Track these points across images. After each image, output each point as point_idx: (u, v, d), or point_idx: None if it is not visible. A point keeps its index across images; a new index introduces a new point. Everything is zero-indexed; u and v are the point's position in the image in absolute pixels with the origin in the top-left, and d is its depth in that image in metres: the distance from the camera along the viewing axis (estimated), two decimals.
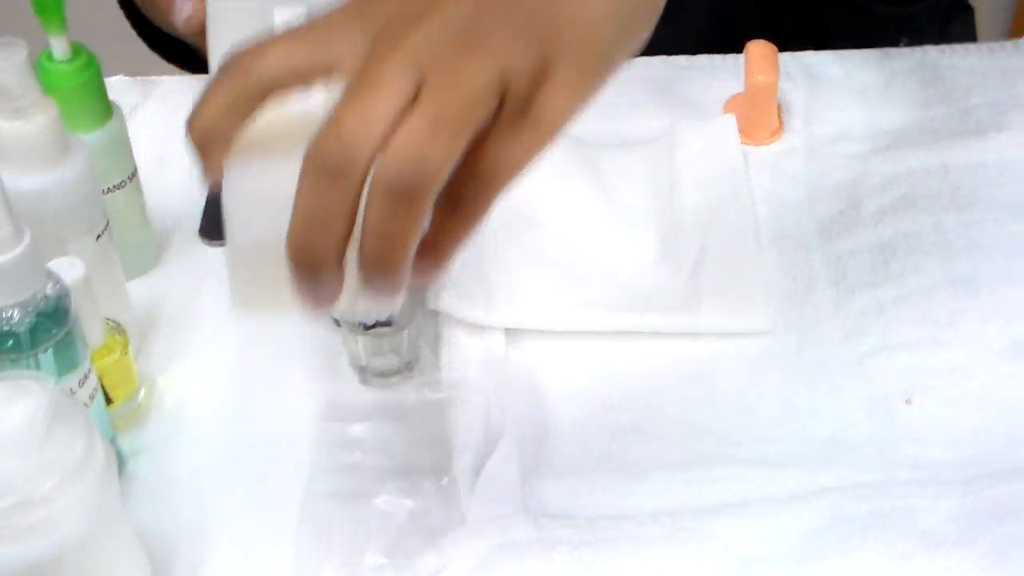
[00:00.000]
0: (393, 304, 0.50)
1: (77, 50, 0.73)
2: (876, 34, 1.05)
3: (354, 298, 0.50)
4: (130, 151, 0.78)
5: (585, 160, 0.85)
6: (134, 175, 0.79)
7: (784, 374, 0.73)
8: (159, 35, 0.96)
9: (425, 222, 0.47)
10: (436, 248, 0.49)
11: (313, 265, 0.47)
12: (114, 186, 0.77)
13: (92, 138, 0.74)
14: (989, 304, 0.77)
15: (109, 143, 0.76)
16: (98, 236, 0.71)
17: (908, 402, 0.72)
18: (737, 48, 0.90)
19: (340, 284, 0.48)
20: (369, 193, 0.45)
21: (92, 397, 0.65)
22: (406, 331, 0.72)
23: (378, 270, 0.46)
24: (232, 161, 0.52)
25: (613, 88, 0.94)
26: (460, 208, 0.48)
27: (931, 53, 0.96)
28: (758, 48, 0.87)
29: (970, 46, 0.97)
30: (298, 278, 0.47)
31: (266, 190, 0.50)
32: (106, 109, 0.75)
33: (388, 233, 0.45)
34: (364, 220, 0.45)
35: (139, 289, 0.80)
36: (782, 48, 0.92)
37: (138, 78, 0.98)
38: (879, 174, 0.85)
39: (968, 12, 1.18)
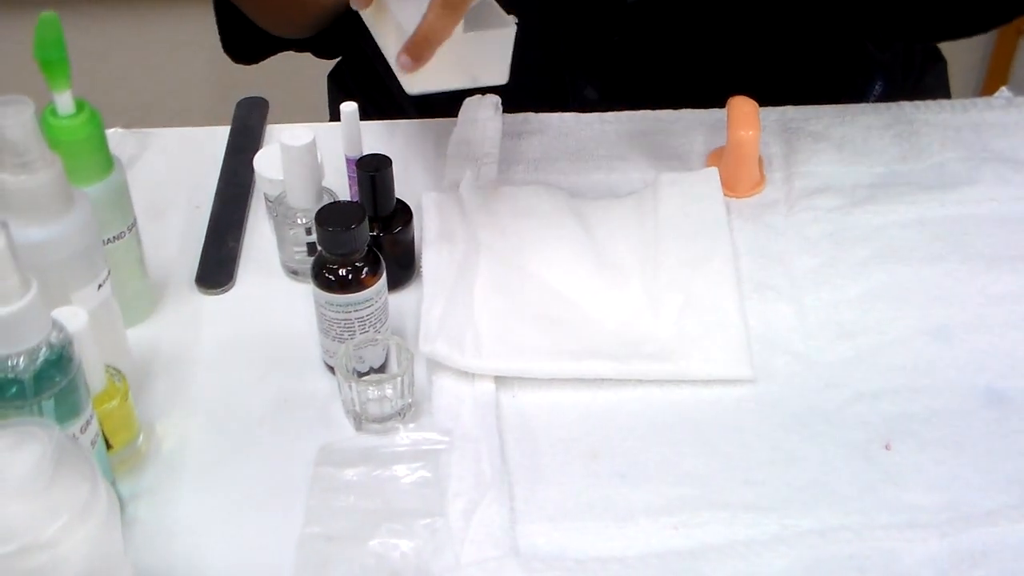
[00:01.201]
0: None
1: (80, 105, 0.75)
2: (852, 82, 1.09)
3: None
4: (130, 203, 0.80)
5: (573, 211, 0.87)
6: (133, 226, 0.81)
7: (766, 421, 0.75)
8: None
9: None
10: (429, 39, 0.73)
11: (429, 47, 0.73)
12: (114, 237, 0.79)
13: (94, 190, 0.76)
14: (963, 352, 0.79)
15: (110, 195, 0.78)
16: (99, 285, 0.73)
17: (887, 447, 0.74)
18: (721, 100, 0.93)
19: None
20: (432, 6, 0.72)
21: (93, 443, 0.67)
22: (399, 379, 0.74)
23: (419, 51, 0.73)
24: None
25: (600, 141, 0.98)
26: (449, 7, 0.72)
27: (906, 108, 0.99)
28: (740, 104, 0.90)
29: (943, 102, 1.00)
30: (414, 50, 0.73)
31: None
32: (108, 162, 0.77)
33: (436, 28, 0.72)
34: (423, 20, 0.72)
35: (137, 337, 0.82)
36: (763, 101, 0.95)
37: (134, 130, 1.00)
38: (858, 227, 0.88)
39: (941, 64, 1.22)
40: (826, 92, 1.09)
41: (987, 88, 2.30)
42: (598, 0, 0.98)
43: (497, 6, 0.77)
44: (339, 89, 1.17)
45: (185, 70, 2.08)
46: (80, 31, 2.11)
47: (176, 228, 0.92)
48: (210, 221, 0.91)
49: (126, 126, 1.00)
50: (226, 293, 0.86)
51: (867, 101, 1.11)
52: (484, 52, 0.76)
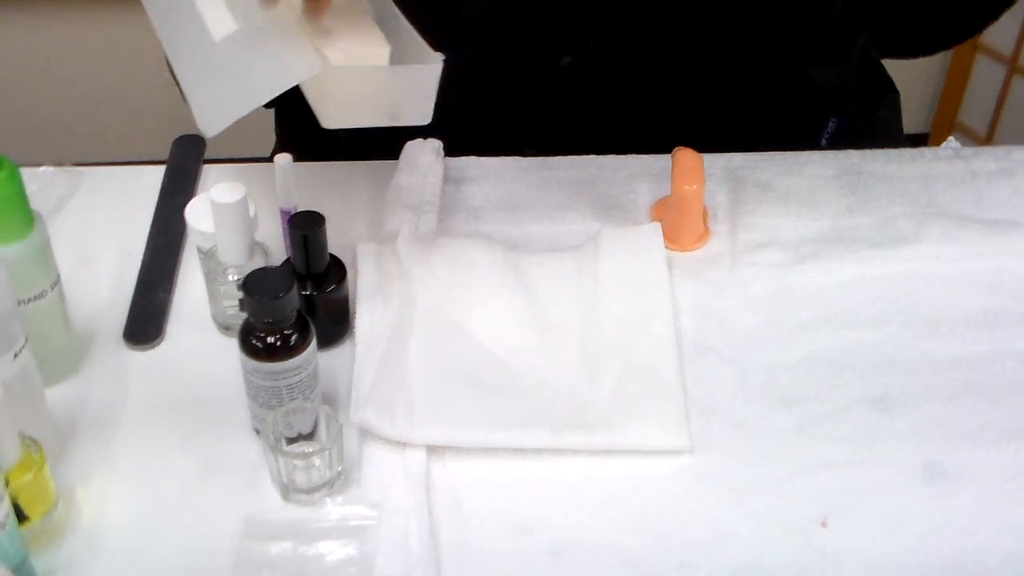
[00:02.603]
0: None
1: None
2: (806, 114, 1.07)
3: None
4: (52, 260, 0.78)
5: (512, 268, 0.85)
6: (56, 282, 0.78)
7: (703, 495, 0.74)
8: None
9: None
10: None
11: None
12: (35, 296, 0.76)
13: (13, 250, 0.74)
14: (904, 423, 0.78)
15: (31, 254, 0.75)
16: (16, 354, 0.71)
17: (824, 525, 0.73)
18: (667, 147, 0.92)
19: None
20: None
21: (3, 525, 0.64)
22: (327, 451, 0.72)
23: None
24: None
25: (543, 188, 0.96)
26: None
27: (854, 158, 0.98)
28: (684, 158, 0.88)
29: (891, 152, 0.99)
30: None
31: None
32: (28, 220, 0.75)
33: None
34: None
35: (60, 395, 0.80)
36: (712, 146, 0.94)
37: (65, 168, 0.97)
38: (801, 286, 0.87)
39: (894, 96, 1.21)
40: (778, 133, 1.08)
41: (939, 119, 2.31)
42: (533, 63, 0.96)
43: (423, 42, 0.74)
44: (283, 124, 1.14)
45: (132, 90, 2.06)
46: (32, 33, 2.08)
47: (106, 277, 0.89)
48: (141, 270, 0.88)
49: (55, 163, 0.97)
50: (155, 348, 0.84)
51: (820, 140, 1.10)
52: (407, 89, 0.73)
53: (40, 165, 0.96)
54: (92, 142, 2.18)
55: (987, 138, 2.23)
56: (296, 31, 0.73)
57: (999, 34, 2.16)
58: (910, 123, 1.24)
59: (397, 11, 0.76)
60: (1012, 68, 2.14)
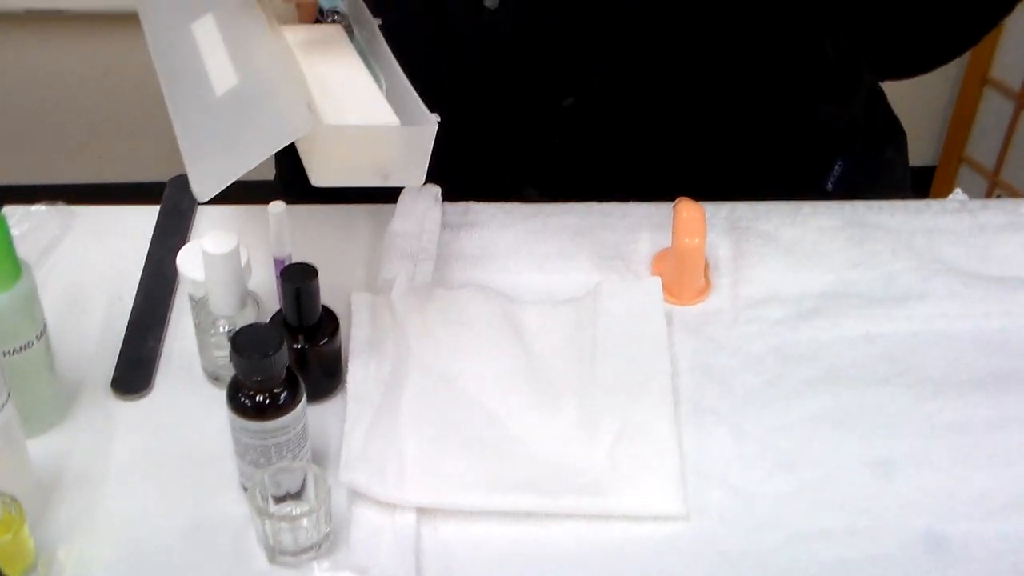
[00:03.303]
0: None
1: None
2: (812, 155, 1.06)
3: None
4: (39, 309, 0.76)
5: (508, 320, 0.84)
6: (43, 332, 0.77)
7: (698, 562, 0.72)
8: None
9: None
10: None
11: None
12: (21, 347, 0.75)
13: None
14: (906, 489, 0.76)
15: (17, 305, 0.73)
16: None
17: None
18: (671, 191, 0.90)
19: None
20: None
21: None
22: (315, 511, 0.71)
23: None
24: None
25: (542, 236, 0.95)
26: None
27: (859, 209, 0.97)
28: (686, 209, 0.86)
29: (897, 204, 0.97)
30: None
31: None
32: (14, 270, 0.73)
33: None
34: None
35: (44, 446, 0.78)
36: (717, 190, 0.92)
37: (59, 207, 0.96)
38: (804, 343, 0.85)
39: (901, 136, 1.20)
40: (784, 174, 1.07)
41: (947, 153, 2.29)
42: (535, 103, 0.95)
43: (419, 102, 0.73)
44: (282, 158, 1.13)
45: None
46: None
47: (95, 322, 0.87)
48: (131, 316, 0.87)
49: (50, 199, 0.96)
50: (143, 399, 0.82)
51: (827, 182, 1.09)
52: (399, 150, 0.71)
53: (38, 181, 0.94)
54: (93, 161, 2.18)
55: (995, 172, 2.21)
56: (294, 86, 0.71)
57: (1008, 69, 2.14)
58: (918, 157, 1.22)
59: (397, 67, 0.75)
60: (1020, 104, 2.12)
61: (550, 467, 0.76)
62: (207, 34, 0.77)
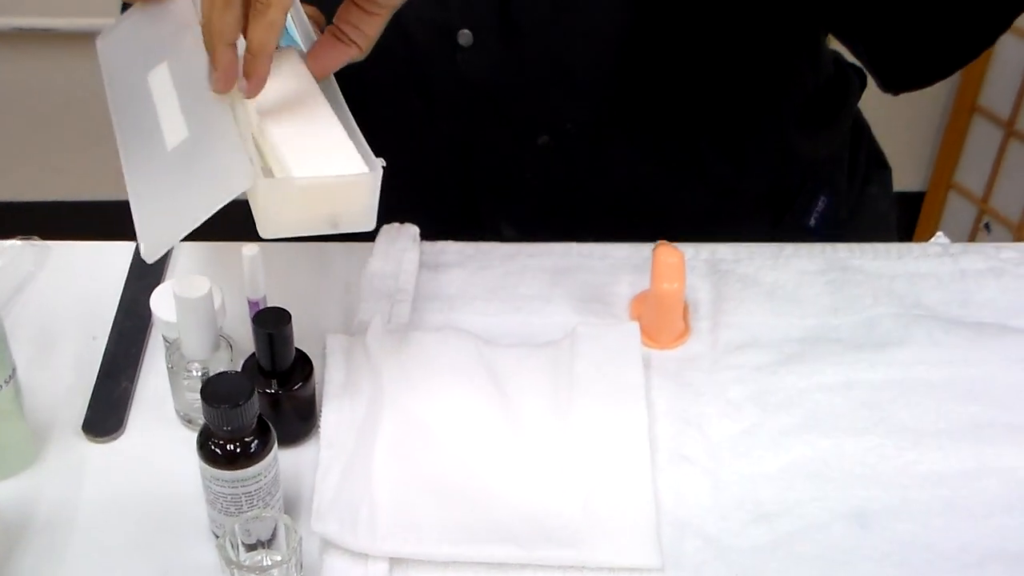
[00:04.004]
0: None
1: None
2: (795, 191, 1.05)
3: None
4: (8, 353, 0.75)
5: (484, 365, 0.83)
6: (12, 376, 0.76)
7: None
8: None
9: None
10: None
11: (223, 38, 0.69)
12: None
13: None
14: (883, 540, 0.76)
15: None
16: None
17: None
18: (648, 230, 0.90)
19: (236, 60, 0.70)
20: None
21: None
22: (286, 562, 0.70)
23: (247, 67, 0.69)
24: None
25: (521, 277, 0.94)
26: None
27: (841, 252, 0.96)
28: (665, 255, 0.86)
29: (879, 247, 0.96)
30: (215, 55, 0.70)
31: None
32: None
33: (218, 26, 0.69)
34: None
35: (11, 491, 0.77)
36: (697, 229, 0.91)
37: (33, 242, 0.95)
38: (783, 390, 0.84)
39: (886, 172, 1.19)
40: (766, 214, 1.06)
41: (936, 179, 2.29)
42: (510, 141, 0.94)
43: (365, 145, 0.72)
44: None
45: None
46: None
47: (67, 361, 0.86)
48: (104, 356, 0.86)
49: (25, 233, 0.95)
50: (114, 441, 0.81)
51: (810, 218, 1.09)
52: (345, 198, 0.70)
53: (25, 198, 0.93)
54: (81, 179, 2.17)
55: (983, 199, 2.21)
56: (237, 139, 0.70)
57: (996, 96, 2.14)
58: (907, 183, 1.21)
59: (346, 109, 0.74)
60: (1009, 131, 2.12)
61: (525, 517, 0.75)
62: (162, 85, 0.76)
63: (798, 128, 1.02)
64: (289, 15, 0.77)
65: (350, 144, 0.71)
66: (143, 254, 0.68)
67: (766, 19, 0.94)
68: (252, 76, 0.69)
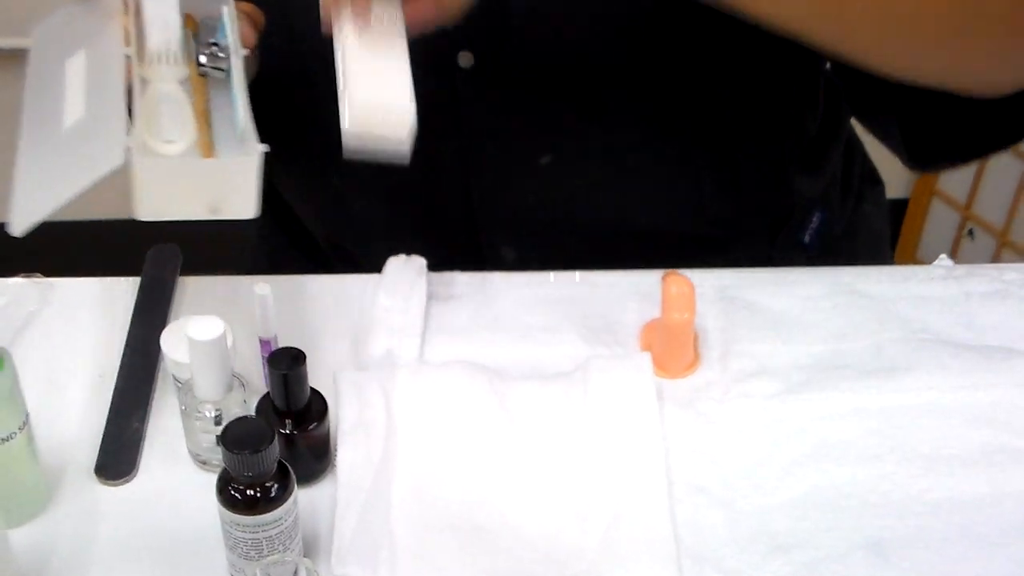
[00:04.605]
0: None
1: None
2: (790, 209, 1.06)
3: None
4: (21, 399, 0.75)
5: (497, 399, 0.83)
6: (25, 423, 0.75)
7: None
8: None
9: None
10: None
11: None
12: (3, 438, 0.73)
13: None
14: (900, 570, 0.76)
15: None
16: None
17: None
18: (647, 255, 0.90)
19: None
20: None
21: None
22: None
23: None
24: None
25: (529, 308, 0.94)
26: None
27: (844, 276, 0.96)
28: (675, 284, 0.86)
29: (883, 270, 0.97)
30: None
31: None
32: None
33: None
34: None
35: (25, 538, 0.77)
36: (692, 250, 0.91)
37: (36, 279, 0.94)
38: (794, 418, 0.84)
39: (879, 187, 1.20)
40: (762, 232, 1.07)
41: (919, 186, 2.30)
42: (511, 162, 0.94)
43: (253, 132, 0.71)
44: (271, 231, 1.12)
45: None
46: None
47: (76, 403, 0.86)
48: (113, 397, 0.85)
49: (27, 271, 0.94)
50: (128, 483, 0.81)
51: (804, 235, 1.09)
52: (224, 181, 0.69)
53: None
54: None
55: (966, 206, 2.23)
56: (123, 120, 0.70)
57: None
58: (891, 191, 1.22)
59: (244, 93, 0.73)
60: None
61: (544, 554, 0.75)
62: (75, 71, 0.76)
63: (799, 168, 1.03)
64: (224, 12, 0.77)
65: (245, 128, 0.71)
66: (10, 228, 0.67)
67: (773, 69, 0.95)
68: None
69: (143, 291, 0.94)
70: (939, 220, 2.31)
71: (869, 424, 0.84)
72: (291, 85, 0.91)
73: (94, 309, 0.93)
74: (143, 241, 0.96)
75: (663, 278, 0.87)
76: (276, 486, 0.71)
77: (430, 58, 0.91)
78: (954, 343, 0.90)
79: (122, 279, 0.95)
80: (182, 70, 0.73)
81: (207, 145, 0.70)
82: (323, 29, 0.75)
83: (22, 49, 0.81)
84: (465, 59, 0.90)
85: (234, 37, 0.76)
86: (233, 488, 0.71)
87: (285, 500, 0.71)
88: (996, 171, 2.17)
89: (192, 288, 0.95)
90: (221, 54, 0.74)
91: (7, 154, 0.73)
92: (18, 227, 0.67)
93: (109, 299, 0.94)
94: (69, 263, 1.02)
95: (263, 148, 0.68)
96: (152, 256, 0.96)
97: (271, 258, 1.17)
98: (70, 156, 0.69)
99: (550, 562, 0.74)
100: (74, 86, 0.73)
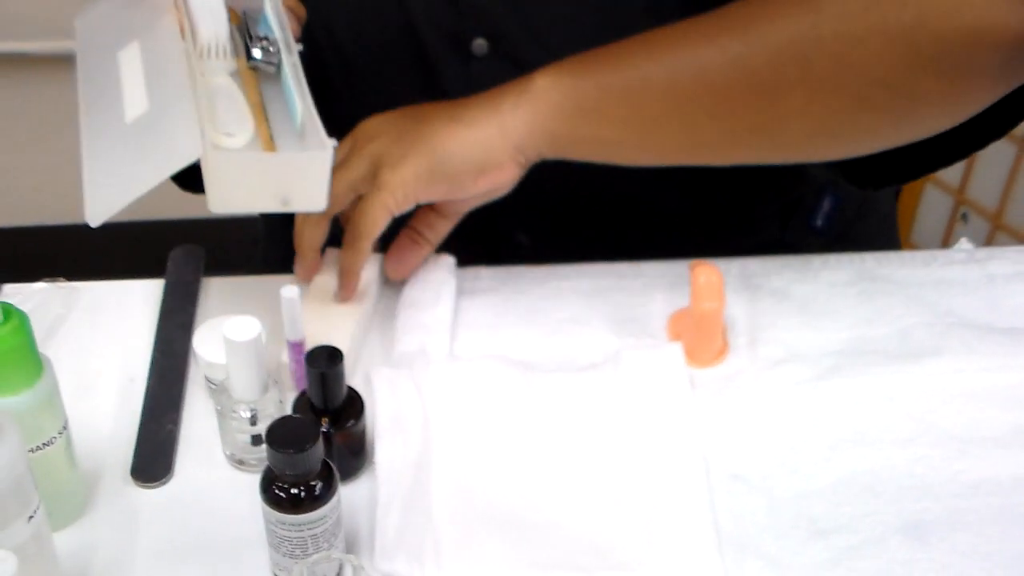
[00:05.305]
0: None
1: (7, 311, 0.69)
2: (800, 193, 1.06)
3: None
4: (61, 404, 0.74)
5: (531, 392, 0.83)
6: (64, 428, 0.75)
7: None
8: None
9: None
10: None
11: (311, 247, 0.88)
12: (44, 444, 0.73)
13: (22, 400, 0.71)
14: (940, 553, 0.76)
15: (40, 402, 0.72)
16: (30, 517, 0.67)
17: None
18: (660, 238, 0.91)
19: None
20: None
21: None
22: None
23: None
24: None
25: (556, 300, 0.94)
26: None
27: (868, 262, 0.97)
28: (704, 274, 0.86)
29: (905, 255, 0.98)
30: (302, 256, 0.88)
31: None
32: (37, 367, 0.72)
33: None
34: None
35: (66, 543, 0.76)
36: (703, 232, 0.93)
37: (60, 284, 0.94)
38: (825, 405, 0.85)
39: None
40: (776, 217, 1.07)
41: (908, 187, 2.31)
42: None
43: (321, 128, 0.72)
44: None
45: None
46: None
47: (108, 407, 0.85)
48: (145, 400, 0.85)
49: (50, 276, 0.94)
50: (165, 485, 0.81)
51: (816, 219, 1.09)
52: (298, 175, 0.71)
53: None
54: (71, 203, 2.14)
55: (959, 189, 2.24)
56: (192, 113, 0.70)
57: None
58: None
59: (308, 93, 0.74)
60: None
61: (586, 543, 0.75)
62: (131, 62, 0.76)
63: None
64: (267, 5, 0.77)
65: (312, 123, 0.72)
66: (87, 217, 0.68)
67: None
68: (344, 288, 0.88)
69: (168, 292, 0.93)
70: (933, 204, 2.33)
71: (901, 408, 0.85)
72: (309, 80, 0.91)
73: (119, 312, 0.93)
74: (149, 243, 0.96)
75: (691, 268, 0.87)
76: (320, 484, 0.71)
77: (444, 46, 0.92)
78: (979, 325, 0.90)
79: (146, 281, 0.95)
80: (231, 63, 0.73)
81: (267, 139, 0.70)
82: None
83: (22, 52, 0.81)
84: (479, 47, 0.91)
85: (286, 31, 0.76)
86: (278, 487, 0.71)
87: (329, 498, 0.71)
88: (989, 155, 2.18)
89: (216, 288, 0.95)
90: (272, 48, 0.74)
91: (7, 156, 0.73)
92: (95, 218, 0.67)
93: (133, 302, 0.94)
94: (81, 267, 1.02)
95: (333, 142, 0.69)
96: (176, 257, 0.96)
97: (286, 256, 1.16)
98: (141, 148, 0.69)
99: (592, 552, 0.74)
100: (132, 79, 0.73)
